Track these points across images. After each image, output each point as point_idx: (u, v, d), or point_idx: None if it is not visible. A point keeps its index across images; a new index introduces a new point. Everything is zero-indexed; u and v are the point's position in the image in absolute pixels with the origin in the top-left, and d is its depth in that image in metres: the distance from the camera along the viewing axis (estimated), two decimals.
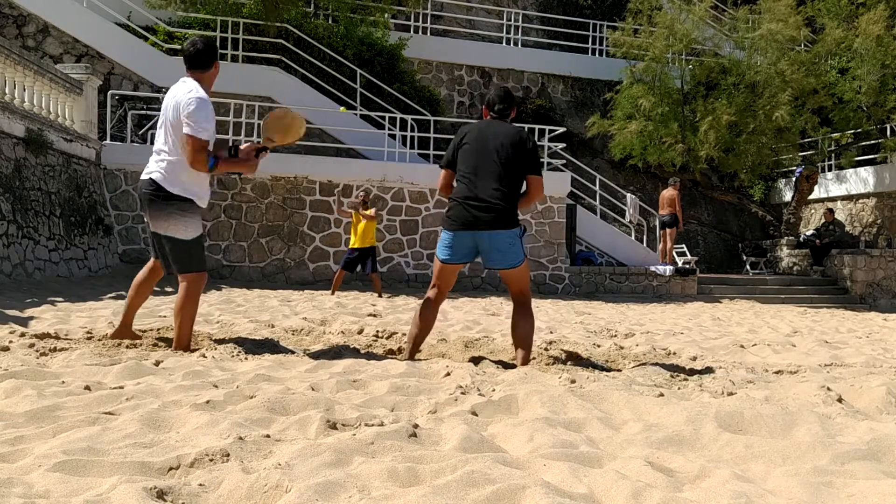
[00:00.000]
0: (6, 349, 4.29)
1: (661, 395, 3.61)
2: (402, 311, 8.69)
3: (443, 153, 18.14)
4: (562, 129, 16.45)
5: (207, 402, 3.09)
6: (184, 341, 4.63)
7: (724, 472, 2.39)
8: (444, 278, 4.72)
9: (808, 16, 18.05)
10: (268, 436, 2.64)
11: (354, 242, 11.50)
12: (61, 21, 14.69)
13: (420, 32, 19.24)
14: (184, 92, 4.46)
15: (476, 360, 4.80)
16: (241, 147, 4.76)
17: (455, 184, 4.65)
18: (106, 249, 12.55)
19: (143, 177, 4.58)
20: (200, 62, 4.56)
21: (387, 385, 3.66)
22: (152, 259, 4.83)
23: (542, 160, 15.57)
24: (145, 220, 4.71)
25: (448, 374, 4.04)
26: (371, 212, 11.51)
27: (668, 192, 16.00)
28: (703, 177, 19.24)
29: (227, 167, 4.69)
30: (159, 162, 4.52)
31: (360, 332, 6.15)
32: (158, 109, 14.22)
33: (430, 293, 4.73)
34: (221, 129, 14.50)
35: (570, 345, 5.89)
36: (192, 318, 4.70)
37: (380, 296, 11.40)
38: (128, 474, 2.20)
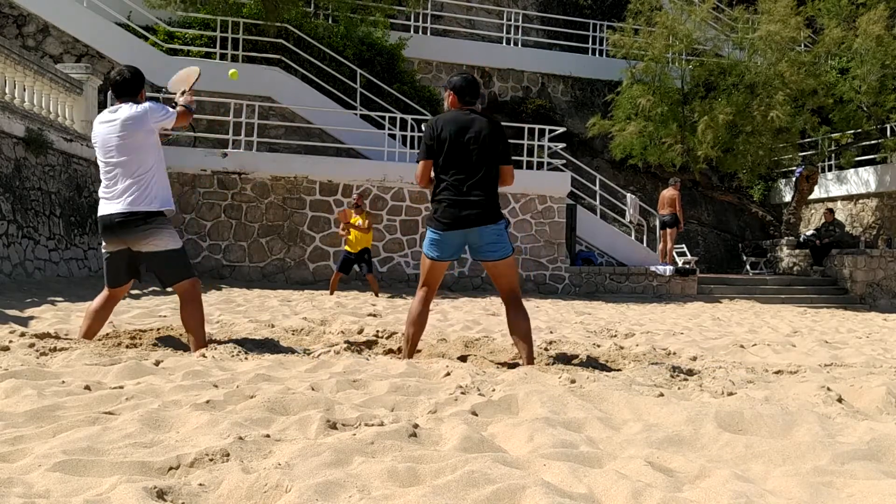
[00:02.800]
0: (6, 349, 4.29)
1: (661, 395, 3.61)
2: (402, 311, 8.69)
3: None
4: (562, 129, 16.45)
5: (207, 401, 3.09)
6: (201, 345, 4.68)
7: (724, 472, 2.39)
8: (434, 275, 4.74)
9: (809, 16, 18.05)
10: (268, 436, 2.64)
11: (349, 247, 11.57)
12: (61, 21, 14.69)
13: (420, 32, 19.23)
14: (117, 117, 4.60)
15: (476, 360, 4.80)
16: (180, 101, 5.03)
17: (437, 179, 4.64)
18: None
19: (111, 210, 4.56)
20: (128, 90, 4.72)
21: (387, 385, 3.66)
22: (106, 289, 4.81)
23: (542, 160, 15.68)
24: (106, 250, 4.72)
25: (448, 374, 4.04)
26: (364, 221, 11.43)
27: (668, 192, 16.00)
28: (703, 177, 19.24)
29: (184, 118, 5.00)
30: (126, 190, 4.55)
31: (360, 332, 6.15)
32: None
33: (421, 292, 4.75)
34: (222, 130, 14.52)
35: (570, 345, 5.89)
36: (203, 322, 4.79)
37: (377, 296, 11.40)
38: (128, 474, 2.20)
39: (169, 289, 4.87)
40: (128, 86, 4.69)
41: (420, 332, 4.78)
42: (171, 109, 4.79)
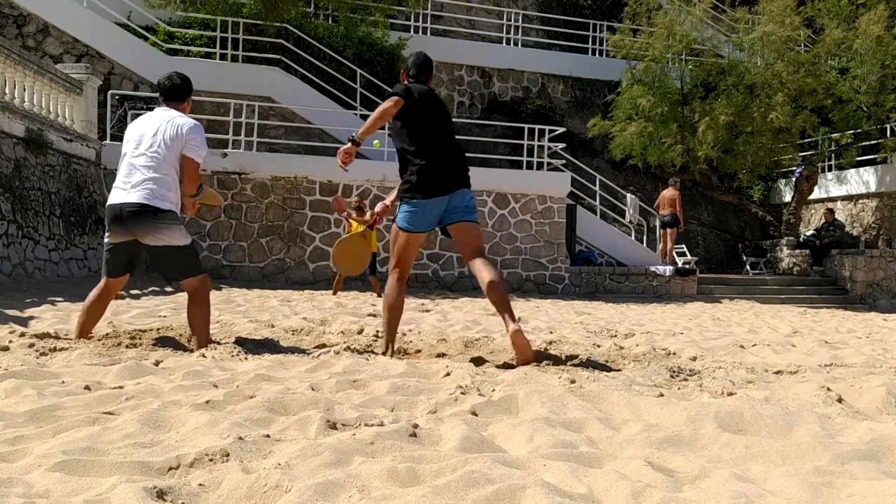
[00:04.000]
0: (6, 349, 4.28)
1: (661, 395, 3.61)
2: None
3: None
4: (562, 130, 16.45)
5: (207, 401, 3.08)
6: (205, 344, 4.68)
7: (724, 473, 2.39)
8: (409, 252, 4.74)
9: (809, 16, 18.06)
10: (268, 436, 2.64)
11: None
12: (61, 21, 14.69)
13: (420, 32, 19.23)
14: (172, 117, 4.65)
15: (476, 361, 4.80)
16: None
17: (414, 147, 4.58)
18: None
19: (124, 199, 4.57)
20: (177, 95, 4.79)
21: (387, 385, 3.66)
22: (103, 282, 4.81)
23: (542, 160, 15.68)
24: (110, 241, 4.70)
25: (448, 374, 4.04)
26: (367, 216, 11.34)
27: (668, 192, 16.00)
28: (703, 177, 19.25)
29: (203, 199, 5.05)
30: (145, 182, 4.57)
31: (360, 332, 6.15)
32: None
33: (395, 274, 4.74)
34: (221, 130, 14.51)
35: (570, 345, 5.89)
36: (208, 321, 4.80)
37: (378, 296, 11.39)
38: (128, 474, 2.20)
39: (177, 284, 4.86)
40: (177, 91, 4.79)
41: (399, 315, 4.80)
42: (203, 152, 4.77)
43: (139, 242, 4.67)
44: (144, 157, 4.60)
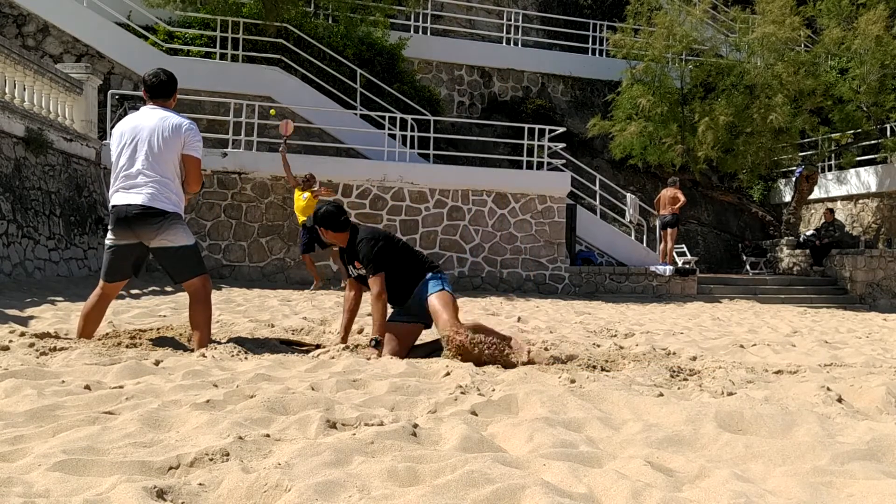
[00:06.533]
0: (6, 349, 4.28)
1: (661, 395, 3.61)
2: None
3: (443, 153, 17.94)
4: (562, 129, 16.44)
5: (207, 401, 3.09)
6: (205, 345, 4.68)
7: (724, 472, 2.39)
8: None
9: (809, 16, 18.06)
10: (268, 435, 2.64)
11: (301, 219, 11.91)
12: (61, 20, 14.68)
13: (420, 32, 19.23)
14: (165, 116, 4.66)
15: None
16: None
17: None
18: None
19: (129, 201, 4.57)
20: (164, 92, 4.79)
21: (386, 385, 3.66)
22: (100, 286, 4.80)
23: (541, 160, 15.68)
24: (113, 242, 4.69)
25: (448, 374, 4.04)
26: (316, 186, 11.70)
27: (668, 192, 15.98)
28: (703, 177, 19.25)
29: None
30: (148, 184, 4.57)
31: (360, 331, 6.14)
32: None
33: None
34: (221, 129, 14.51)
35: (570, 345, 5.89)
36: (209, 321, 4.80)
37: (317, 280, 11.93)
38: (128, 474, 2.20)
39: (179, 285, 4.86)
40: (164, 87, 4.78)
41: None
42: (201, 149, 4.87)
43: (143, 245, 4.67)
44: (144, 159, 4.59)
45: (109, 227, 4.72)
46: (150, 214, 4.55)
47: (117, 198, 4.63)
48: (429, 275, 4.96)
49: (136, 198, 4.56)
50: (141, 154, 4.60)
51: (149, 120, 4.66)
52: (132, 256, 4.75)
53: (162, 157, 4.60)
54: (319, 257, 13.89)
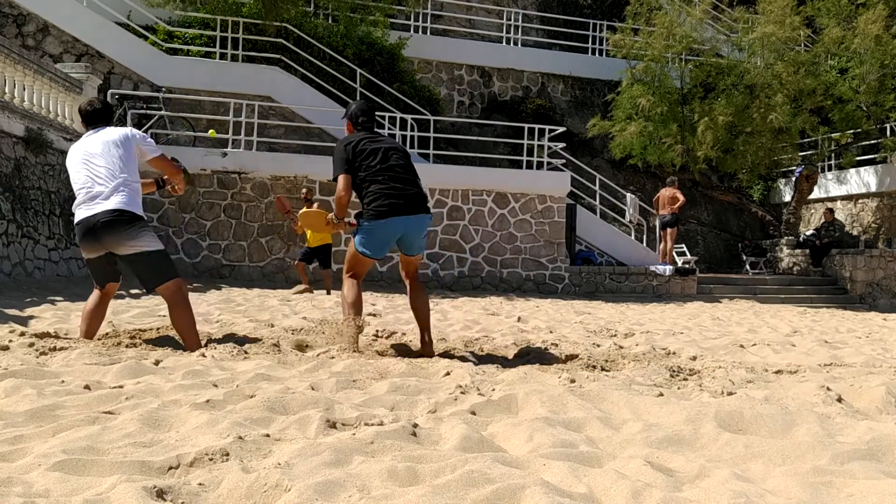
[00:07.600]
0: (6, 348, 4.28)
1: (661, 394, 3.61)
2: (401, 310, 8.68)
3: (443, 153, 17.95)
4: (562, 129, 16.44)
5: (207, 401, 3.09)
6: (195, 346, 4.69)
7: (724, 472, 2.39)
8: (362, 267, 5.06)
9: (808, 15, 18.06)
10: (267, 435, 2.64)
11: (309, 242, 11.80)
12: (61, 20, 14.68)
13: (420, 32, 19.23)
14: (108, 130, 4.83)
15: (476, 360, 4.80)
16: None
17: (370, 185, 5.03)
18: None
19: (95, 211, 4.58)
20: (102, 118, 4.94)
21: (386, 384, 3.66)
22: (97, 289, 4.86)
23: (541, 160, 15.68)
24: (86, 257, 4.77)
25: (448, 374, 4.04)
26: (315, 207, 11.50)
27: (667, 192, 15.98)
28: (703, 177, 19.25)
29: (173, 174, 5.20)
30: (115, 192, 4.61)
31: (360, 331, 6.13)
32: (159, 109, 14.23)
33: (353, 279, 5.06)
34: (221, 129, 14.51)
35: (570, 345, 5.89)
36: (193, 323, 4.79)
37: (328, 293, 11.28)
38: (127, 473, 2.20)
39: (153, 292, 4.90)
40: (100, 114, 4.92)
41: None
42: (154, 144, 5.08)
43: (112, 254, 4.69)
44: (104, 170, 4.64)
45: (77, 242, 4.77)
46: (119, 221, 4.56)
47: (80, 212, 4.65)
48: (364, 222, 5.00)
49: (103, 206, 4.58)
50: (100, 169, 4.65)
51: (96, 139, 4.76)
52: (108, 266, 4.79)
53: (122, 166, 4.68)
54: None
